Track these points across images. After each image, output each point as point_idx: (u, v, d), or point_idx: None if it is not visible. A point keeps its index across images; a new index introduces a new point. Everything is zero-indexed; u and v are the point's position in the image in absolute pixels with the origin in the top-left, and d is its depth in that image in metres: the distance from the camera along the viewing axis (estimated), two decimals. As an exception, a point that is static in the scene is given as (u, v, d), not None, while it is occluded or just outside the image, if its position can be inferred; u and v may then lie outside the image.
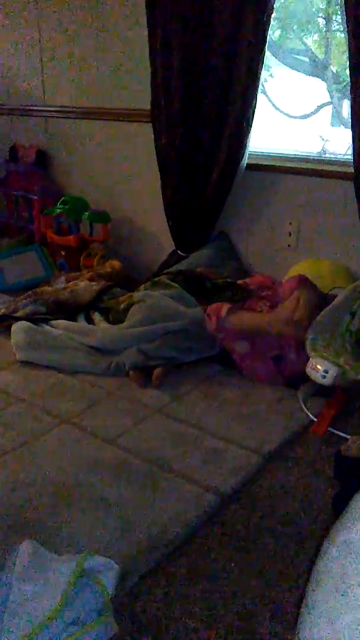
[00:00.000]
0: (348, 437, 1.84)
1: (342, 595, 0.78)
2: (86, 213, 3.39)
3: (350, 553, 0.82)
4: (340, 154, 2.95)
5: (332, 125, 3.45)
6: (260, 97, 2.73)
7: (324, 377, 1.98)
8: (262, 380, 2.25)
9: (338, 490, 1.59)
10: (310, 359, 2.05)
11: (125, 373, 2.29)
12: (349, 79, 2.38)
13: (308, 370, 2.04)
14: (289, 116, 3.57)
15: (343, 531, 0.87)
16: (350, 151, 2.50)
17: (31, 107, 3.80)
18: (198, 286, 2.67)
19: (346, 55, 2.37)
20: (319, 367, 2.00)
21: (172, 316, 2.44)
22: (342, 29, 3.16)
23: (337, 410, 2.03)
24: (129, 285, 2.92)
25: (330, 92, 3.42)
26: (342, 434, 1.90)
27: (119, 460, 1.78)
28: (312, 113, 3.56)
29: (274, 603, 1.30)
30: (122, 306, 2.62)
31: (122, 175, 3.47)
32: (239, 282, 2.68)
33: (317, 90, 3.46)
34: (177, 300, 2.55)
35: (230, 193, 2.88)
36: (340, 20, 3.19)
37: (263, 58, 2.61)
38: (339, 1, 2.87)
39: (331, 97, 3.43)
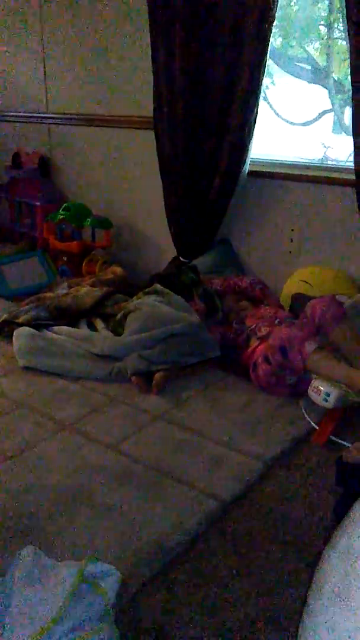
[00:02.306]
0: (349, 445, 1.84)
1: (343, 601, 0.77)
2: (88, 219, 3.40)
3: (351, 559, 0.82)
4: (341, 161, 2.96)
5: (334, 133, 3.46)
6: (262, 104, 2.74)
7: (326, 400, 1.98)
8: (271, 393, 2.24)
9: (339, 497, 1.59)
10: (312, 381, 2.05)
11: (127, 379, 2.30)
12: (350, 86, 2.39)
13: (310, 393, 2.04)
14: (291, 123, 3.59)
15: (344, 537, 0.86)
16: (351, 158, 2.51)
17: (34, 114, 3.82)
18: (169, 285, 2.72)
19: (348, 62, 2.38)
20: (321, 389, 1.99)
21: (170, 321, 2.45)
22: (343, 37, 3.17)
23: (339, 418, 2.03)
24: (131, 291, 2.93)
25: (331, 99, 3.43)
26: (343, 442, 1.90)
27: (120, 467, 1.78)
28: (314, 120, 3.58)
29: (275, 610, 1.30)
30: (118, 316, 2.63)
31: (125, 181, 3.48)
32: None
33: (318, 97, 3.48)
34: (172, 306, 2.56)
35: (232, 199, 2.88)
36: (341, 28, 3.20)
37: (265, 65, 2.62)
38: (341, 9, 2.89)
39: (333, 105, 3.44)
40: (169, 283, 2.76)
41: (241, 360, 2.37)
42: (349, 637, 0.75)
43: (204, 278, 2.83)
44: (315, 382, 2.02)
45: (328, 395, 1.97)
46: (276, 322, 2.38)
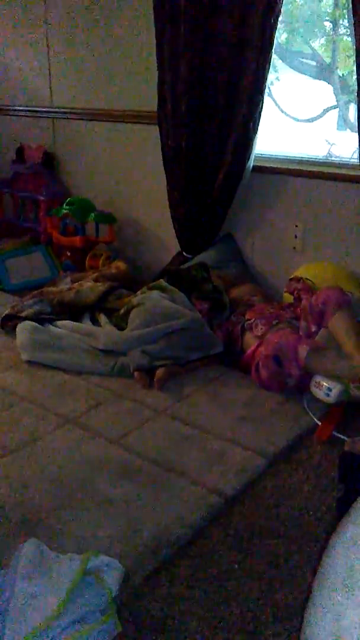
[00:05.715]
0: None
1: (348, 591, 0.77)
2: (92, 214, 3.40)
3: (357, 549, 0.82)
4: (346, 158, 2.95)
5: (338, 129, 3.45)
6: (266, 100, 2.73)
7: (328, 395, 1.97)
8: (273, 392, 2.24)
9: (342, 493, 1.59)
10: (314, 376, 2.04)
11: (130, 374, 2.30)
12: (355, 83, 2.38)
13: (312, 388, 2.03)
14: (295, 119, 3.58)
15: (350, 527, 0.87)
16: (356, 155, 2.50)
17: (38, 109, 3.82)
18: (178, 281, 2.71)
19: (353, 59, 2.37)
20: (323, 384, 1.99)
21: (172, 316, 2.45)
22: (348, 33, 3.16)
23: (341, 414, 2.03)
24: (134, 286, 2.93)
25: (336, 95, 3.43)
26: (345, 438, 1.90)
27: (123, 461, 1.79)
28: (318, 116, 3.57)
29: (277, 605, 1.31)
30: (121, 311, 2.63)
31: (128, 176, 3.48)
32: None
33: (323, 93, 3.47)
34: (175, 302, 2.56)
35: (236, 195, 2.88)
36: (347, 24, 3.19)
37: (270, 61, 2.61)
38: (346, 5, 2.87)
39: (337, 101, 3.44)
40: (179, 278, 2.75)
41: (242, 361, 2.36)
42: (355, 627, 0.75)
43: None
44: (317, 377, 2.02)
45: (330, 390, 1.97)
46: (274, 322, 2.37)
